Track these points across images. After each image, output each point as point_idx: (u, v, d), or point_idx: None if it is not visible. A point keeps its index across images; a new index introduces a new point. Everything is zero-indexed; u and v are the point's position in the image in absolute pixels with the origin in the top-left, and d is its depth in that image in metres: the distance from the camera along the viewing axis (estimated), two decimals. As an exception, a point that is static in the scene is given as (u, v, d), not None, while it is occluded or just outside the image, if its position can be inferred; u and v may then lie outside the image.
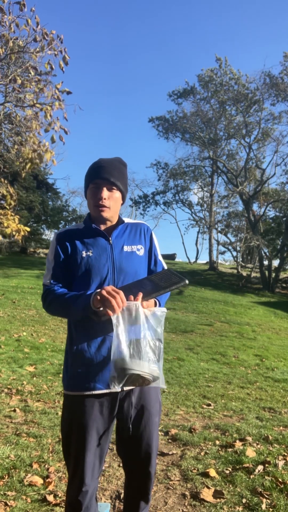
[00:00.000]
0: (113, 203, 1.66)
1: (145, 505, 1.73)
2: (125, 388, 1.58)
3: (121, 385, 1.39)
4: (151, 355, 1.41)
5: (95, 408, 1.57)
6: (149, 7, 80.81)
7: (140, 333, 1.41)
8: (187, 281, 1.57)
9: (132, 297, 1.46)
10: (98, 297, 1.43)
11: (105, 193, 1.63)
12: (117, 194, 1.68)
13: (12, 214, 6.23)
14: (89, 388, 1.56)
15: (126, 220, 1.78)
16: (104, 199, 1.63)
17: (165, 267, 1.79)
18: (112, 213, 1.68)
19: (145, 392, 1.64)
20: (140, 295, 1.47)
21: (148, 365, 1.39)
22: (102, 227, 1.70)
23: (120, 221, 1.73)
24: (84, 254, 1.63)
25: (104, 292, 1.43)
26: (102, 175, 1.63)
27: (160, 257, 1.81)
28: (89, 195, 1.68)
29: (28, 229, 6.49)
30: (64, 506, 2.24)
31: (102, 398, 1.58)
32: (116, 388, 1.43)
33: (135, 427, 1.62)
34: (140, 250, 1.71)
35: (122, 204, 1.75)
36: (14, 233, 6.05)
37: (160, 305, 1.63)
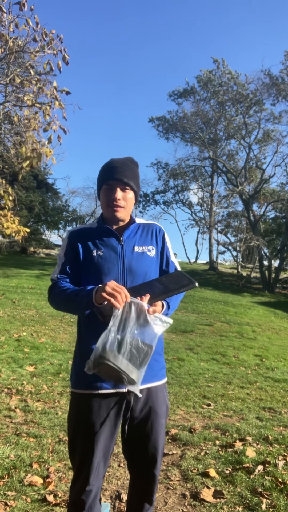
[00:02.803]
0: (126, 204, 1.67)
1: (149, 506, 1.73)
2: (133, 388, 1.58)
3: (93, 371, 1.36)
4: (135, 357, 1.37)
5: (102, 408, 1.57)
6: (149, 7, 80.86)
7: (133, 332, 1.39)
8: (196, 284, 1.56)
9: (139, 298, 1.45)
10: (103, 294, 1.41)
11: (118, 193, 1.64)
12: (130, 194, 1.68)
13: (12, 215, 6.22)
14: (96, 387, 1.57)
15: (138, 220, 1.77)
16: (118, 199, 1.64)
17: (178, 268, 1.78)
18: (126, 213, 1.69)
19: (152, 393, 1.64)
20: (147, 296, 1.46)
21: (127, 364, 1.35)
22: (114, 227, 1.70)
23: (131, 221, 1.73)
24: (94, 253, 1.63)
25: (108, 288, 1.41)
26: (115, 175, 1.63)
27: (172, 258, 1.80)
28: (102, 196, 1.68)
29: (28, 230, 6.48)
30: (64, 506, 2.24)
31: (109, 398, 1.58)
32: (89, 373, 1.40)
33: (142, 429, 1.62)
34: (151, 251, 1.70)
35: (134, 204, 1.75)
36: (14, 234, 6.05)
37: (169, 307, 1.62)
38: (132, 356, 1.37)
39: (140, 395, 1.46)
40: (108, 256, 1.63)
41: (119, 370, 1.34)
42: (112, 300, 1.39)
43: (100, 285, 1.46)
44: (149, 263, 1.68)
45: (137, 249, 1.67)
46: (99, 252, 1.63)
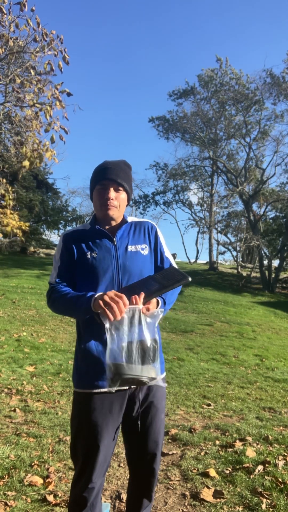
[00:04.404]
0: (119, 203, 1.69)
1: (148, 503, 1.74)
2: (133, 386, 1.59)
3: (115, 386, 1.40)
4: (146, 357, 1.40)
5: (104, 406, 1.58)
6: (150, 7, 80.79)
7: (135, 336, 1.40)
8: (189, 278, 1.58)
9: (134, 299, 1.46)
10: (100, 302, 1.43)
11: (112, 193, 1.66)
12: (123, 195, 1.70)
13: (12, 212, 6.23)
14: (97, 386, 1.58)
15: (130, 219, 1.79)
16: (112, 199, 1.65)
17: (173, 263, 1.79)
18: (119, 213, 1.70)
19: (153, 388, 1.66)
20: (142, 295, 1.48)
21: (142, 368, 1.38)
22: (107, 228, 1.71)
23: (124, 221, 1.74)
24: (88, 255, 1.65)
25: (106, 298, 1.43)
26: (109, 176, 1.65)
27: (167, 254, 1.81)
28: (96, 196, 1.70)
29: (28, 224, 6.53)
30: (64, 506, 2.24)
31: (112, 396, 1.59)
32: (113, 389, 1.44)
33: (142, 423, 1.64)
34: (144, 250, 1.72)
35: (127, 205, 1.77)
36: (15, 230, 6.07)
37: (165, 303, 1.63)
38: (143, 358, 1.39)
39: (165, 385, 1.51)
40: (102, 258, 1.64)
41: (137, 377, 1.37)
42: (106, 311, 1.40)
43: (100, 293, 1.48)
44: (143, 261, 1.70)
45: (130, 248, 1.68)
46: (93, 254, 1.65)
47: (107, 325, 1.40)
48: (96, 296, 1.49)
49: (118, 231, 1.70)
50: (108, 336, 1.39)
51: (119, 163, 1.72)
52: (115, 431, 1.62)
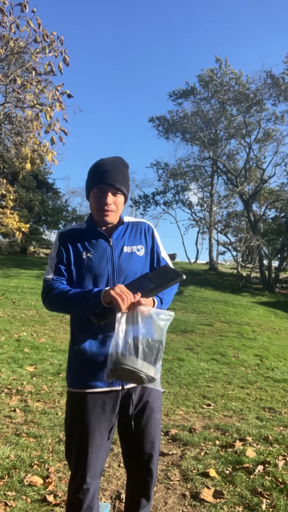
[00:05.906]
0: (117, 207, 1.68)
1: (146, 502, 1.74)
2: (126, 386, 1.61)
3: (113, 378, 1.41)
4: (148, 355, 1.41)
5: (97, 406, 1.58)
6: (149, 7, 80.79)
7: (143, 331, 1.42)
8: (184, 276, 1.59)
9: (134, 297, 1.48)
10: (112, 292, 1.45)
11: (110, 198, 1.63)
12: (120, 198, 1.68)
13: (12, 212, 6.24)
14: (91, 386, 1.59)
15: (127, 219, 1.78)
16: (110, 204, 1.64)
17: (170, 264, 1.79)
18: (116, 216, 1.70)
19: (147, 389, 1.66)
20: (139, 295, 1.49)
21: (143, 364, 1.38)
22: (103, 228, 1.71)
23: (120, 222, 1.73)
24: (84, 255, 1.64)
25: (117, 290, 1.46)
26: (107, 180, 1.62)
27: (163, 255, 1.80)
28: (92, 199, 1.68)
29: (28, 226, 6.54)
30: (64, 506, 2.24)
31: (104, 396, 1.59)
32: (109, 382, 1.45)
33: (137, 423, 1.64)
34: (140, 251, 1.71)
35: (123, 204, 1.76)
36: (15, 231, 6.07)
37: (162, 302, 1.65)
38: (146, 355, 1.40)
39: (162, 390, 1.50)
40: (98, 258, 1.64)
41: (137, 371, 1.37)
42: (119, 300, 1.43)
43: (108, 288, 1.51)
44: (138, 262, 1.70)
45: (126, 249, 1.68)
46: (88, 255, 1.64)
47: (118, 315, 1.43)
48: (106, 288, 1.51)
49: (115, 232, 1.70)
50: (116, 326, 1.41)
51: (116, 163, 1.68)
52: (108, 432, 1.62)
